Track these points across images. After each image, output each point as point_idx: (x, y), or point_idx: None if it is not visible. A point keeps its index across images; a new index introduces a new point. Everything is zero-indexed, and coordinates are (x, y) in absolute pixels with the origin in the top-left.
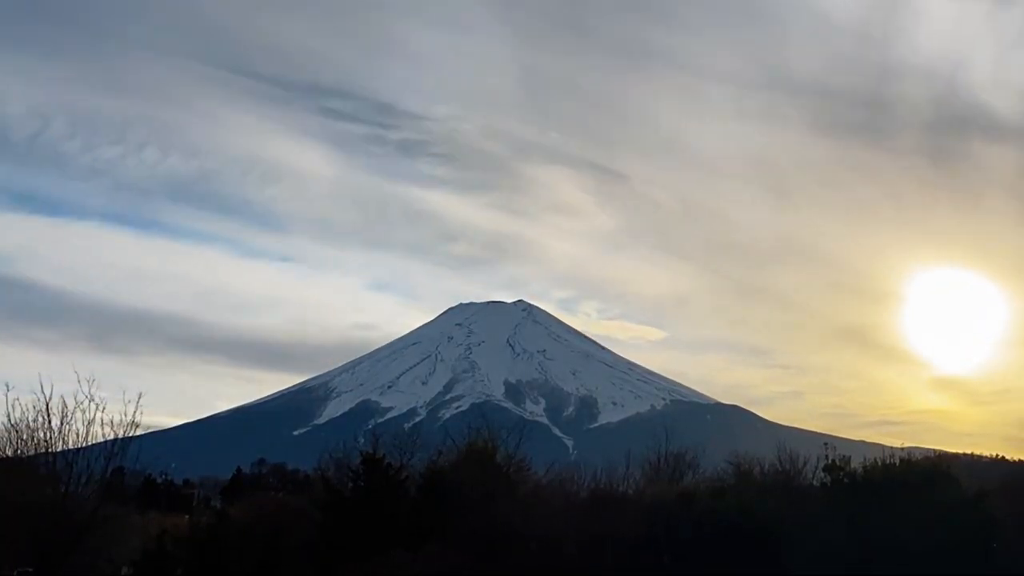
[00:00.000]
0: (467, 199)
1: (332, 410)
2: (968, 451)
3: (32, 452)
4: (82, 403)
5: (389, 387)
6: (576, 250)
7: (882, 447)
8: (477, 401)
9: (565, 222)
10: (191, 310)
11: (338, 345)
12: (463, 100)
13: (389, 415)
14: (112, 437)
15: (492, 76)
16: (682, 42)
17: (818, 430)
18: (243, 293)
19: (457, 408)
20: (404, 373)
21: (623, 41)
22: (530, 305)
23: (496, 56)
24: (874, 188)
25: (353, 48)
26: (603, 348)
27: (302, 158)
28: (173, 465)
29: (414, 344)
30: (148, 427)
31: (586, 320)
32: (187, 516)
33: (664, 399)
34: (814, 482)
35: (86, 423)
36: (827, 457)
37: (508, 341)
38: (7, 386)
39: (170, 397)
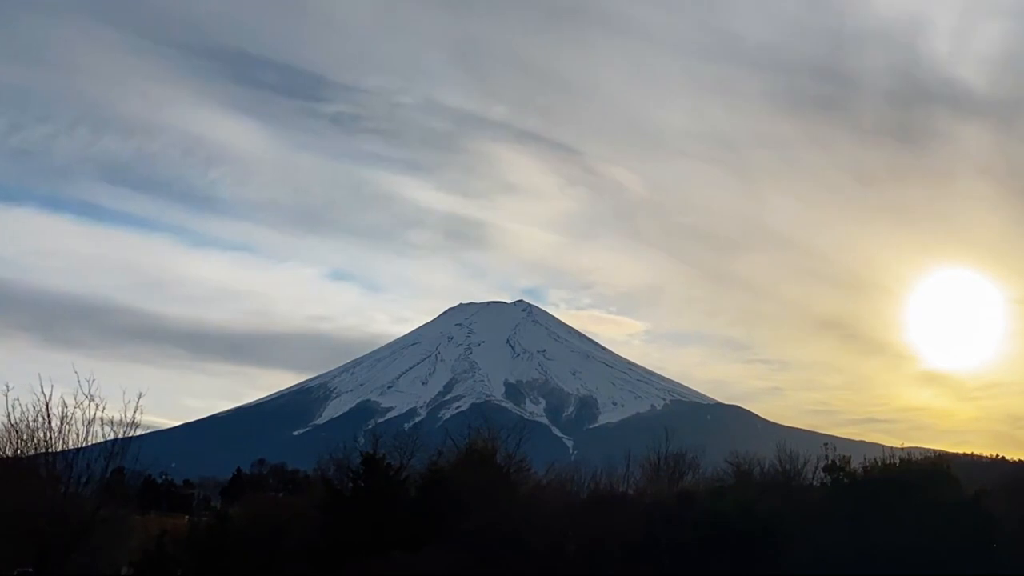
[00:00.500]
0: (419, 180)
1: (332, 410)
2: (966, 451)
3: (32, 452)
4: (82, 403)
5: (389, 387)
6: (539, 236)
7: (881, 447)
8: (477, 401)
9: (525, 205)
10: (142, 301)
11: (298, 336)
12: (397, 72)
13: (389, 415)
14: (112, 437)
15: (427, 46)
16: (627, 7)
17: (813, 429)
18: (197, 283)
19: (457, 408)
20: (404, 373)
21: (565, 7)
22: (530, 305)
23: (429, 24)
24: (840, 169)
25: (275, 16)
26: (603, 348)
27: (240, 136)
28: (173, 465)
29: (414, 344)
30: (148, 427)
31: (554, 311)
32: (187, 517)
33: (664, 399)
34: (814, 482)
35: (86, 423)
36: (827, 457)
37: (508, 341)
38: (7, 386)
39: (131, 391)
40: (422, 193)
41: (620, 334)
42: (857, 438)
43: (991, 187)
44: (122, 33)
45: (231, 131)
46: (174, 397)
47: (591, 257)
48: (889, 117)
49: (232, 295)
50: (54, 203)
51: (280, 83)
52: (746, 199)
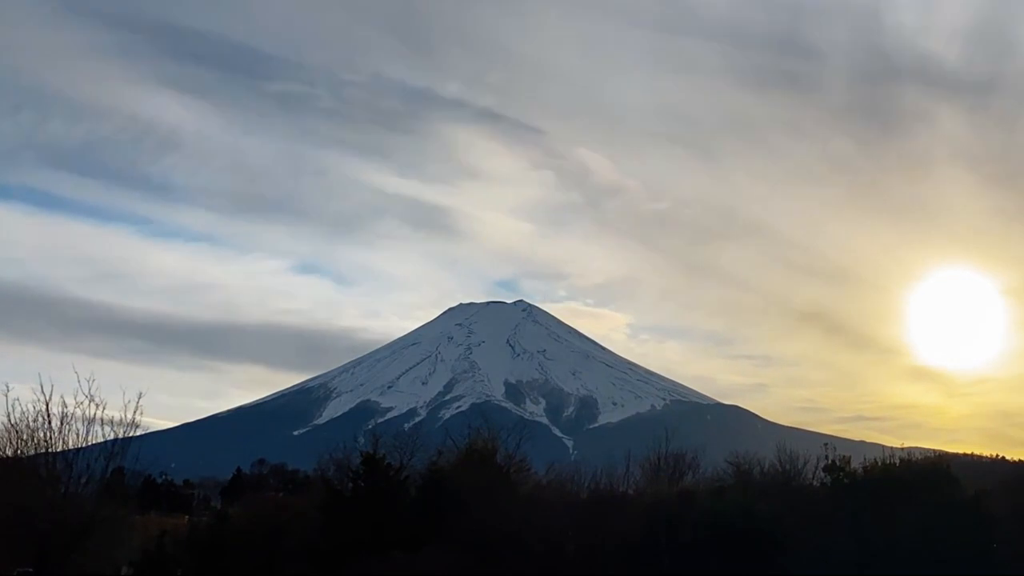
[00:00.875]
0: (378, 165)
1: (332, 410)
2: (966, 451)
3: (32, 452)
4: (82, 403)
5: (389, 387)
6: (508, 224)
7: (881, 447)
8: (477, 401)
9: (491, 191)
10: (101, 293)
11: (268, 331)
12: (339, 46)
13: (389, 415)
14: (112, 437)
15: (366, 17)
16: None
17: (810, 428)
18: (159, 275)
19: (457, 408)
20: (404, 373)
21: None
22: (530, 305)
23: None
24: (812, 152)
25: None
26: (603, 348)
27: (189, 119)
28: (173, 465)
29: (414, 344)
30: (147, 428)
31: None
32: (187, 517)
33: (664, 399)
34: (814, 482)
35: (86, 423)
36: (827, 457)
37: (508, 341)
38: (7, 386)
39: (93, 385)
40: (382, 178)
41: (601, 328)
42: (856, 438)
43: (971, 173)
44: (59, 11)
45: (179, 113)
46: (138, 393)
47: (563, 246)
48: (858, 95)
49: (195, 288)
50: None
51: (219, 58)
52: (716, 185)
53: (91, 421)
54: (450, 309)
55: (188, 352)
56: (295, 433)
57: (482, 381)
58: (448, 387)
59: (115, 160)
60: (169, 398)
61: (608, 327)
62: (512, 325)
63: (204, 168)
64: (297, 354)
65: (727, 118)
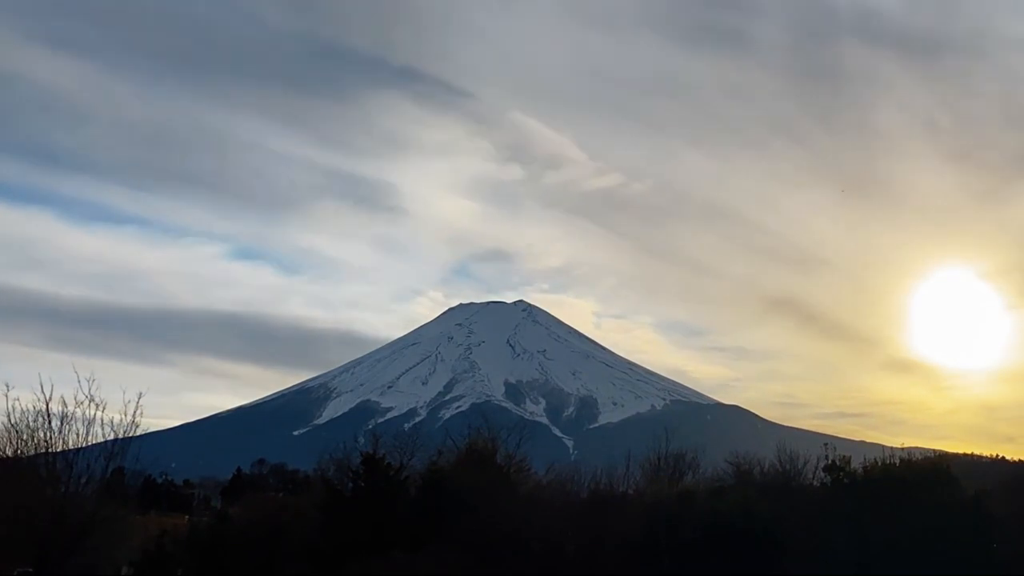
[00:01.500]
0: (302, 135)
1: (332, 410)
2: (966, 451)
3: (32, 452)
4: (82, 403)
5: (389, 387)
6: (454, 202)
7: (881, 447)
8: (477, 401)
9: (430, 165)
10: (27, 281)
11: (210, 320)
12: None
13: (389, 415)
14: (112, 437)
15: None
16: None
17: (816, 429)
18: (88, 261)
19: (457, 408)
20: (404, 373)
21: None
22: (530, 305)
23: None
24: (755, 117)
25: None
26: (603, 348)
27: (93, 88)
28: (173, 465)
29: (414, 344)
30: (147, 428)
31: (492, 295)
32: (187, 517)
33: (664, 399)
34: (814, 482)
35: (86, 423)
36: (827, 457)
37: (508, 341)
38: (7, 386)
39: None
40: (306, 150)
41: (569, 317)
42: (857, 437)
43: (931, 146)
44: None
45: (80, 78)
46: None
47: (511, 227)
48: (799, 54)
49: (129, 275)
50: None
51: (100, 13)
52: (661, 155)
53: (91, 421)
54: (450, 309)
55: (127, 342)
56: (295, 433)
57: (482, 381)
58: (448, 387)
59: (23, 134)
60: (114, 392)
61: (573, 315)
62: (512, 325)
63: (120, 143)
64: (243, 344)
65: (660, 78)
